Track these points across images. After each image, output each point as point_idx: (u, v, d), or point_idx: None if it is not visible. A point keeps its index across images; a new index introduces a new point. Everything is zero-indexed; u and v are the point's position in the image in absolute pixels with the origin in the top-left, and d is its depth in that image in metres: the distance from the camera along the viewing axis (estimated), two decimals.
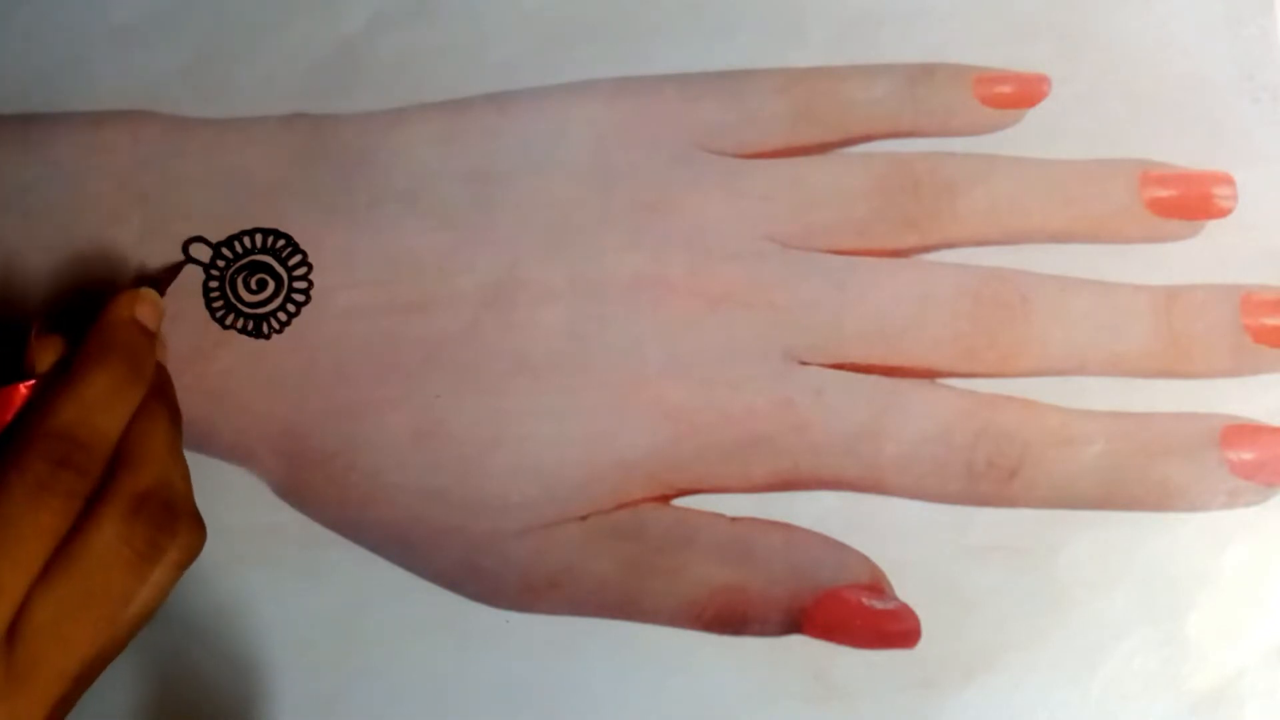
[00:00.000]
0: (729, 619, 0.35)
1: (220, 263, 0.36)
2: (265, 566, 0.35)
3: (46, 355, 0.30)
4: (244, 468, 0.35)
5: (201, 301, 0.36)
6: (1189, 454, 0.35)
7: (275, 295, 0.36)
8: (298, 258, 0.36)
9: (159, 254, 0.36)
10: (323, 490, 0.35)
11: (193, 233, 0.36)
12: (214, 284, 0.36)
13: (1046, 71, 0.37)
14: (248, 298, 0.36)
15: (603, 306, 0.36)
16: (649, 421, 0.35)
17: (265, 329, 0.36)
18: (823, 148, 0.37)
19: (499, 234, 0.36)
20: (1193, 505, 0.35)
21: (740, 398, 0.35)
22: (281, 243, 0.36)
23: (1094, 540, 0.35)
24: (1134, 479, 0.35)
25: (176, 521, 0.30)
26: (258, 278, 0.36)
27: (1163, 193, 0.36)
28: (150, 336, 0.32)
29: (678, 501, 0.35)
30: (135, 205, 0.36)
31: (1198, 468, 0.35)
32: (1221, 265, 0.36)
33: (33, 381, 0.29)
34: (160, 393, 0.31)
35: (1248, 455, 0.35)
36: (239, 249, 0.36)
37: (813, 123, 0.37)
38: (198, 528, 0.31)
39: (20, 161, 0.36)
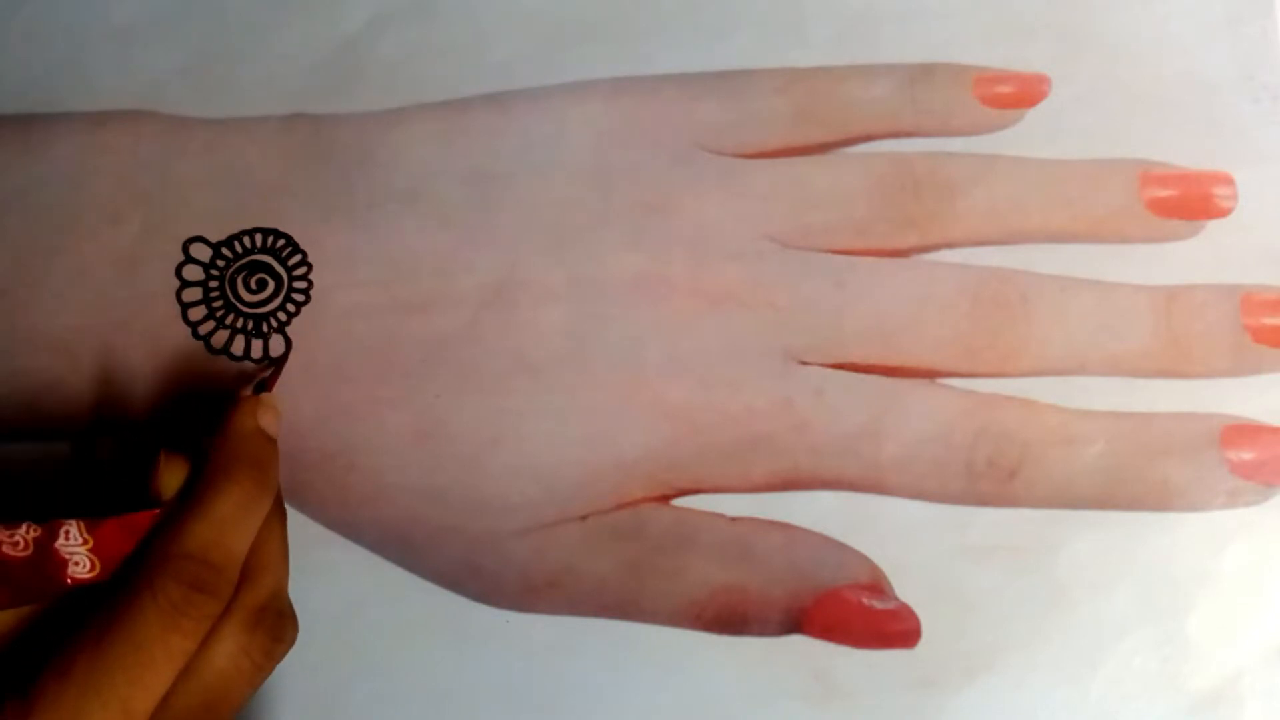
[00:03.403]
0: (729, 619, 0.35)
1: (220, 263, 0.36)
2: None
3: (173, 479, 0.29)
4: None
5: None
6: (1189, 454, 0.35)
7: (275, 295, 0.36)
8: (298, 258, 0.36)
9: (159, 254, 0.36)
10: (322, 490, 0.35)
11: (193, 233, 0.36)
12: (214, 284, 0.36)
13: (1046, 71, 0.37)
14: (248, 298, 0.36)
15: (603, 306, 0.36)
16: (649, 421, 0.35)
17: (265, 329, 0.36)
18: (823, 148, 0.37)
19: (499, 234, 0.36)
20: (1193, 505, 0.35)
21: (740, 398, 0.35)
22: (281, 243, 0.36)
23: (1094, 540, 0.35)
24: (1134, 479, 0.35)
25: (287, 628, 0.30)
26: (258, 278, 0.36)
27: (1163, 192, 0.36)
28: (274, 445, 0.31)
29: (678, 501, 0.35)
30: (135, 205, 0.36)
31: (1198, 468, 0.35)
32: (1221, 265, 0.36)
33: (157, 511, 0.28)
34: (278, 496, 0.31)
35: (1248, 455, 0.35)
36: (239, 249, 0.36)
37: (813, 123, 0.37)
38: (296, 625, 0.30)
39: (20, 161, 0.36)
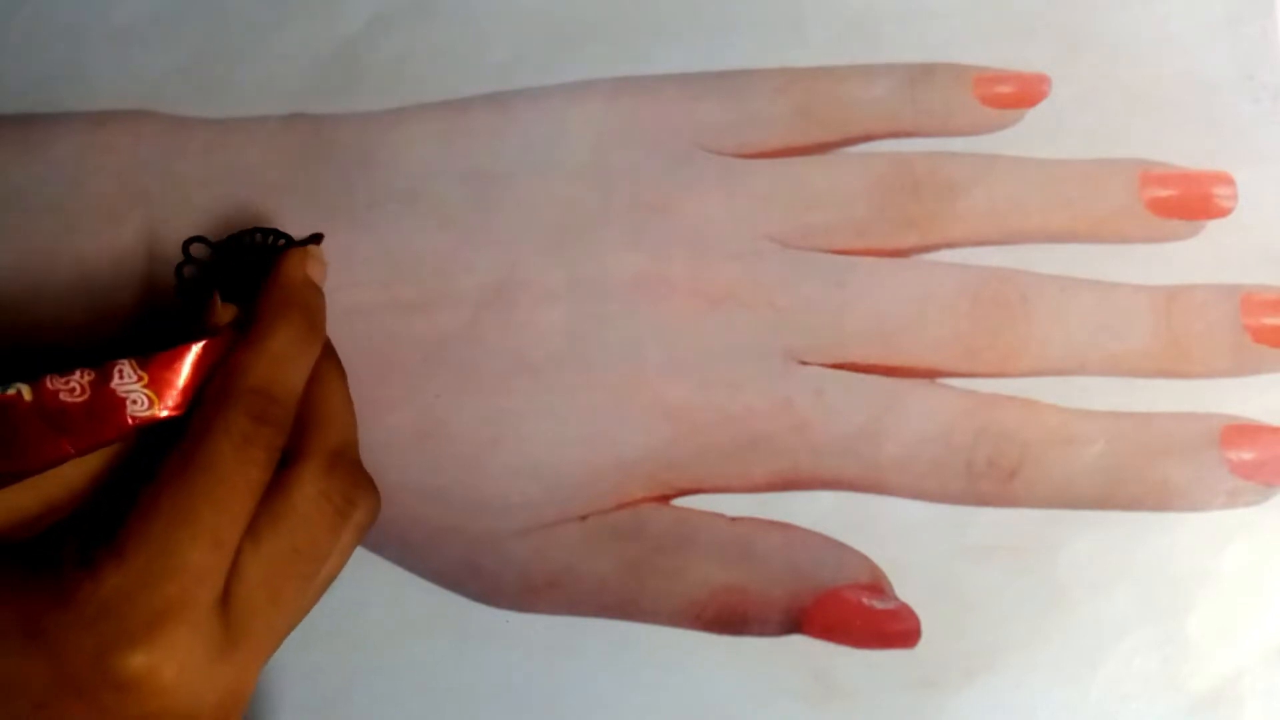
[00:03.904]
0: (729, 619, 0.35)
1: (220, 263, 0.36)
2: None
3: (225, 316, 0.31)
4: None
5: None
6: (1189, 454, 0.35)
7: None
8: None
9: (159, 254, 0.36)
10: None
11: (193, 233, 0.36)
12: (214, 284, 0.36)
13: (1046, 71, 0.37)
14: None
15: (603, 306, 0.36)
16: (649, 421, 0.35)
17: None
18: (822, 148, 0.37)
19: (499, 234, 0.36)
20: (1193, 505, 0.35)
21: (740, 398, 0.35)
22: (281, 243, 0.36)
23: (1094, 540, 0.35)
24: (1134, 479, 0.35)
25: (363, 479, 0.30)
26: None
27: (1163, 192, 0.36)
28: (321, 294, 0.32)
29: (678, 501, 0.35)
30: (135, 205, 0.36)
31: (1198, 468, 0.35)
32: (1221, 265, 0.36)
33: (206, 342, 0.29)
34: (331, 353, 0.32)
35: (1248, 455, 0.35)
36: (239, 249, 0.36)
37: (813, 123, 0.37)
38: (376, 491, 0.31)
39: (20, 161, 0.36)
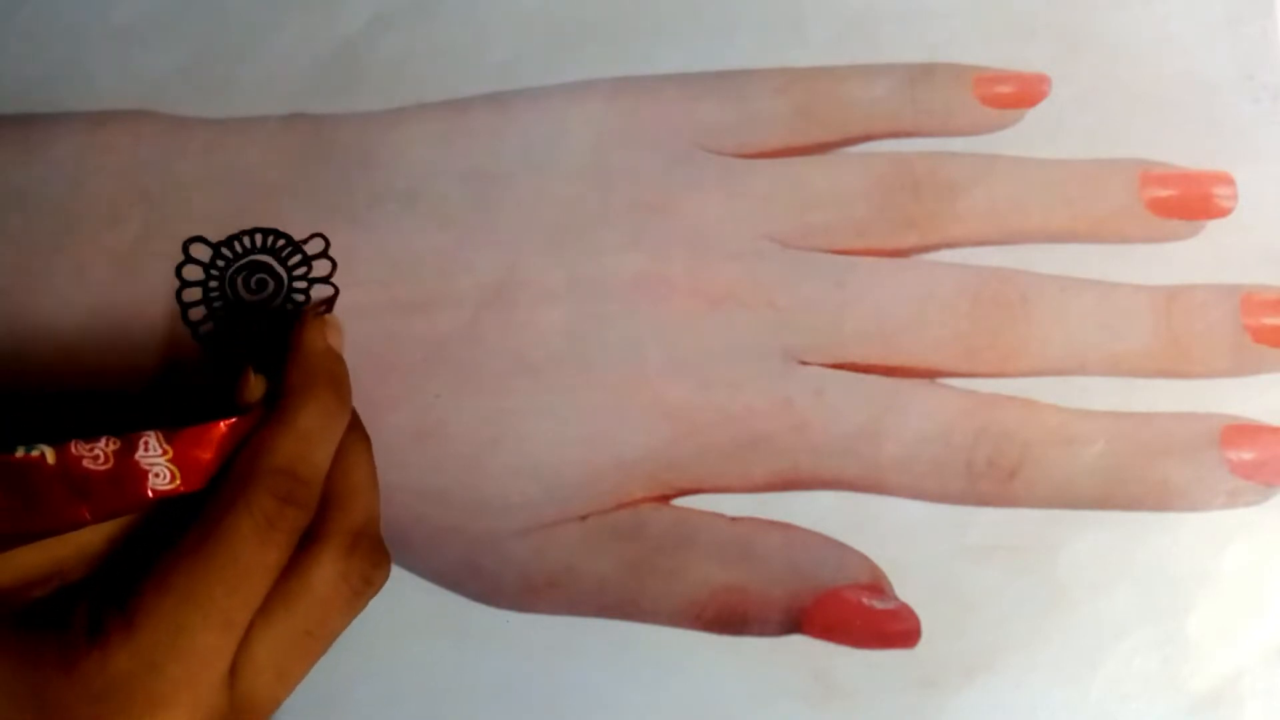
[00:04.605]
0: (729, 619, 0.35)
1: (220, 263, 0.36)
2: None
3: (256, 391, 0.30)
4: None
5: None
6: (1189, 454, 0.35)
7: (275, 295, 0.36)
8: (298, 258, 0.36)
9: (159, 254, 0.36)
10: None
11: (193, 233, 0.36)
12: (214, 284, 0.36)
13: (1046, 71, 0.37)
14: (248, 298, 0.36)
15: (603, 306, 0.36)
16: (649, 421, 0.35)
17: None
18: (822, 148, 0.37)
19: (499, 234, 0.36)
20: (1193, 505, 0.35)
21: (740, 398, 0.35)
22: (281, 243, 0.36)
23: (1094, 540, 0.35)
24: (1134, 479, 0.35)
25: (382, 555, 0.30)
26: (258, 278, 0.36)
27: (1163, 192, 0.36)
28: (344, 362, 0.32)
29: (678, 501, 0.35)
30: (135, 205, 0.36)
31: (1198, 468, 0.35)
32: (1221, 265, 0.36)
33: (234, 420, 0.29)
34: (356, 423, 0.31)
35: (1248, 455, 0.35)
36: (239, 249, 0.36)
37: (813, 123, 0.37)
38: (389, 559, 0.30)
39: (20, 161, 0.36)
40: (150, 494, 0.28)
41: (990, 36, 0.37)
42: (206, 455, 0.28)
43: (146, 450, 0.28)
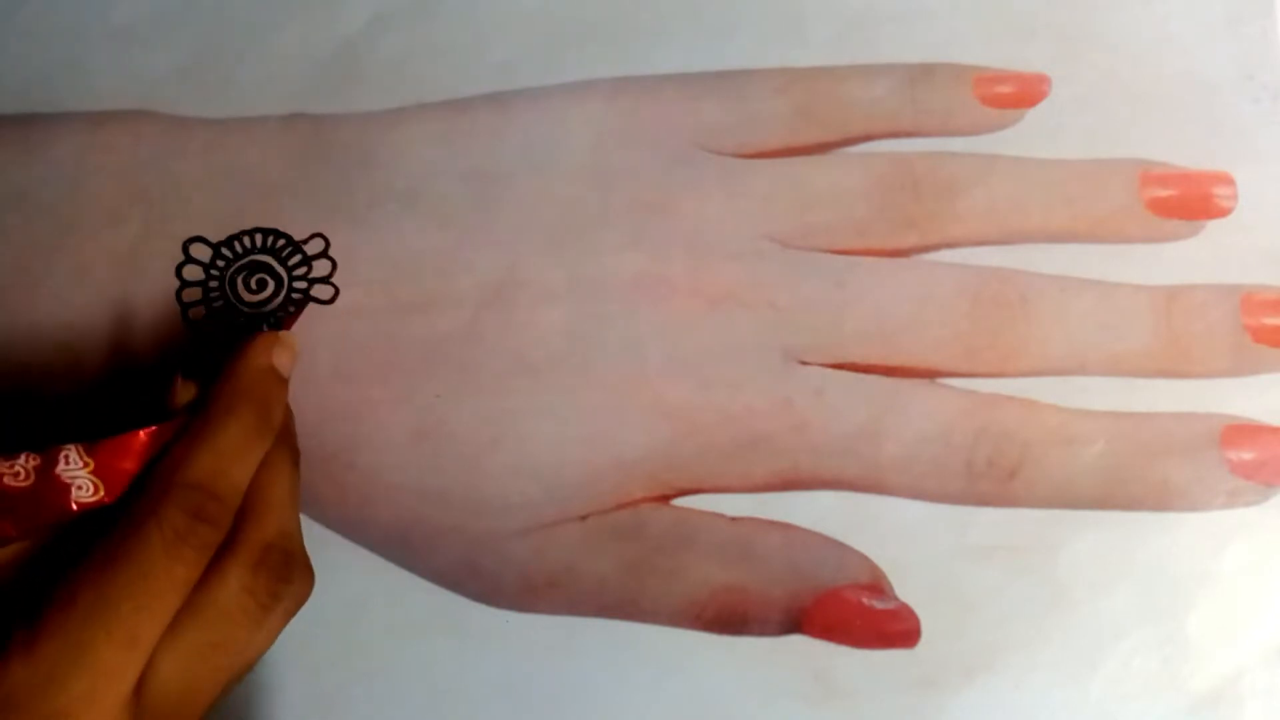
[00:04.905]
0: (729, 619, 0.35)
1: (220, 263, 0.36)
2: None
3: (183, 397, 0.30)
4: None
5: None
6: (1189, 454, 0.35)
7: (275, 295, 0.36)
8: (298, 258, 0.36)
9: (159, 254, 0.36)
10: (322, 490, 0.35)
11: (193, 233, 0.36)
12: (214, 284, 0.36)
13: (1046, 71, 0.37)
14: (248, 298, 0.36)
15: (603, 306, 0.36)
16: (649, 421, 0.35)
17: (265, 329, 0.36)
18: (822, 148, 0.37)
19: (499, 234, 0.36)
20: (1193, 505, 0.35)
21: (740, 398, 0.35)
22: (281, 243, 0.36)
23: (1094, 540, 0.35)
24: (1134, 479, 0.35)
25: (294, 571, 0.29)
26: (258, 278, 0.36)
27: (1163, 192, 0.36)
28: (284, 384, 0.31)
29: (678, 501, 0.35)
30: (135, 205, 0.36)
31: (1198, 468, 0.35)
32: (1221, 265, 0.36)
33: (154, 429, 0.28)
34: (285, 438, 0.31)
35: (1248, 455, 0.35)
36: (239, 249, 0.36)
37: (813, 123, 0.37)
38: (310, 575, 0.30)
39: (20, 161, 0.36)
40: (74, 507, 0.27)
41: (990, 36, 0.37)
42: (129, 465, 0.28)
43: (67, 464, 0.28)
